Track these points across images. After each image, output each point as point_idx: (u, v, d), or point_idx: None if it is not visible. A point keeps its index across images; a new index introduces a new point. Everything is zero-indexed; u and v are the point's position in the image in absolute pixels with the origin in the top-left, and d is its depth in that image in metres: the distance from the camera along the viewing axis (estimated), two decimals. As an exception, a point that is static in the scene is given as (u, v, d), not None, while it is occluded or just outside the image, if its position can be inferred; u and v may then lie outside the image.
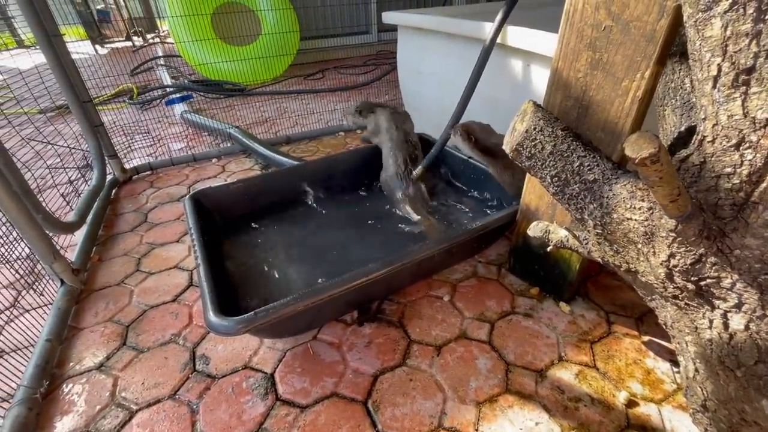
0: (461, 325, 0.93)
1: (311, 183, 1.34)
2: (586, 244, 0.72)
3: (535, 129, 0.68)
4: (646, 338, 0.88)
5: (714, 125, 0.48)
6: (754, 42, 0.42)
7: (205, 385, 0.82)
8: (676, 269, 0.55)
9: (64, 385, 0.83)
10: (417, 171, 1.28)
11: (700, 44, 0.47)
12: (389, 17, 1.65)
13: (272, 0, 3.05)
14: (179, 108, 2.41)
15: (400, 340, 0.90)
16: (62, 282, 1.04)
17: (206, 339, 0.92)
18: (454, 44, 1.36)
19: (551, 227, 0.81)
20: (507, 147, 0.73)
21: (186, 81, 2.96)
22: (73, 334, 0.95)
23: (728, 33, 0.44)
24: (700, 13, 0.46)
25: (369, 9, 3.93)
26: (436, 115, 1.64)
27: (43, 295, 1.01)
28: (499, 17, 1.06)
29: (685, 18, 0.48)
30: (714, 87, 0.47)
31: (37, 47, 1.32)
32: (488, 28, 1.11)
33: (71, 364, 0.87)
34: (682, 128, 0.67)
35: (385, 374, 0.82)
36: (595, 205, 0.62)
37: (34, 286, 1.03)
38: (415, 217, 1.06)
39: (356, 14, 3.92)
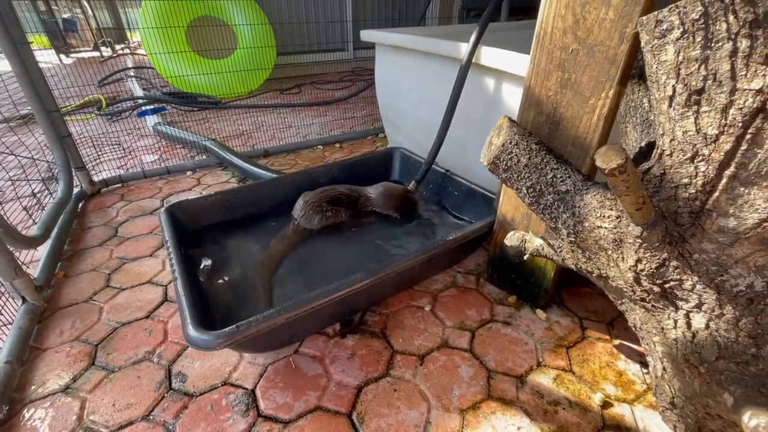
0: (443, 334, 0.94)
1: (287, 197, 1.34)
2: (560, 252, 0.76)
3: (510, 143, 0.72)
4: (616, 342, 0.92)
5: (671, 140, 0.53)
6: (703, 66, 0.47)
7: (182, 403, 0.78)
8: (643, 273, 0.59)
9: (25, 410, 0.77)
10: (411, 186, 1.31)
11: (656, 67, 0.52)
12: (367, 35, 1.69)
13: (249, 15, 3.06)
14: (151, 120, 2.35)
15: (383, 351, 0.90)
16: (24, 300, 0.98)
17: (183, 356, 0.89)
18: (432, 62, 1.42)
19: (527, 236, 0.84)
20: (484, 160, 0.77)
21: (159, 93, 2.89)
22: (36, 355, 0.89)
23: (680, 58, 0.49)
24: (656, 40, 0.51)
25: (345, 27, 4.02)
26: (415, 129, 1.68)
27: (1, 314, 0.95)
28: (473, 38, 1.11)
29: (642, 44, 0.53)
30: (670, 106, 0.52)
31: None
32: (463, 48, 1.17)
33: (33, 387, 0.82)
34: (643, 143, 0.72)
35: (369, 386, 0.82)
36: (567, 214, 0.66)
37: (-8, 305, 0.96)
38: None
39: (332, 32, 4.00)
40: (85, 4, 5.20)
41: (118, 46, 5.37)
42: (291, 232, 1.23)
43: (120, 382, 0.83)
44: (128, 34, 6.15)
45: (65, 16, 5.23)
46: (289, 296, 0.98)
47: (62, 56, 4.59)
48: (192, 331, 0.70)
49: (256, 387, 0.82)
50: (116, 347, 0.91)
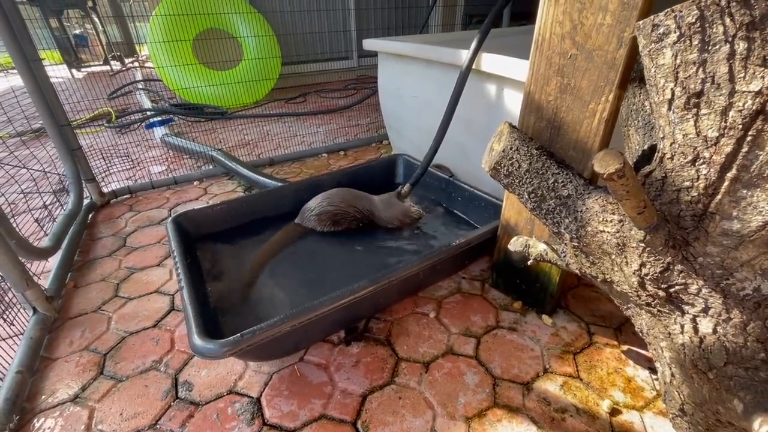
0: (448, 340, 0.94)
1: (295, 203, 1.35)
2: (564, 256, 0.75)
3: (511, 148, 0.72)
4: (624, 347, 0.91)
5: (672, 143, 0.53)
6: (701, 69, 0.47)
7: (188, 412, 0.79)
8: (648, 277, 0.58)
9: (35, 420, 0.78)
10: (405, 188, 1.30)
11: (654, 71, 0.52)
12: (370, 44, 1.71)
13: (254, 27, 3.12)
14: (159, 131, 2.39)
15: (388, 358, 0.89)
16: (35, 310, 0.99)
17: (189, 365, 0.89)
18: (433, 69, 1.43)
19: (531, 241, 0.84)
20: (485, 166, 0.77)
21: (166, 105, 2.95)
22: (46, 364, 0.91)
23: (678, 61, 0.49)
24: (653, 44, 0.51)
25: (349, 36, 4.06)
26: (417, 135, 1.69)
27: (13, 325, 0.97)
28: (473, 45, 1.12)
29: (640, 48, 0.53)
30: (669, 109, 0.52)
31: (12, 70, 1.31)
32: (464, 54, 1.17)
33: (43, 396, 0.83)
34: (645, 146, 0.72)
35: (374, 393, 0.82)
36: (570, 219, 0.66)
37: (4, 316, 0.98)
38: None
39: (336, 41, 4.04)
40: (96, 20, 5.34)
41: (127, 60, 5.49)
42: (286, 232, 1.25)
43: (127, 391, 0.84)
44: (137, 48, 6.29)
45: (77, 32, 5.37)
46: (274, 300, 0.99)
47: (74, 71, 4.70)
48: (197, 340, 0.70)
49: (261, 395, 0.82)
50: (124, 356, 0.92)
